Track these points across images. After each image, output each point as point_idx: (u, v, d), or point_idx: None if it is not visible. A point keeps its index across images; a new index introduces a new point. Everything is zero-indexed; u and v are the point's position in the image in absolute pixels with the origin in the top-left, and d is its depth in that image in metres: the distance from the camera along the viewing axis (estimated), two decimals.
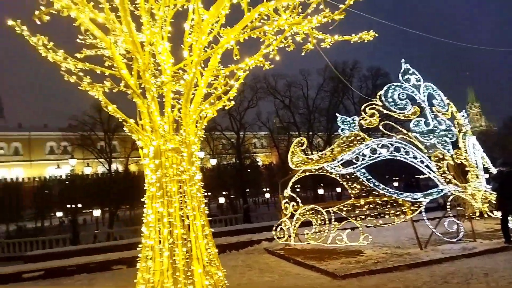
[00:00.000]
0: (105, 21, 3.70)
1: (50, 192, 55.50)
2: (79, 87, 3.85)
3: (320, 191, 35.82)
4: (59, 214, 52.34)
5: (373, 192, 8.89)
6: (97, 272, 8.85)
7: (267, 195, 48.55)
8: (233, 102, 4.28)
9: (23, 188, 61.40)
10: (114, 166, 44.70)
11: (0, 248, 21.99)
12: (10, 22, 3.95)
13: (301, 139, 10.37)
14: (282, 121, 43.79)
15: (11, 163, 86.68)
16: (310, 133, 39.03)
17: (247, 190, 43.98)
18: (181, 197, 3.79)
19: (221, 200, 36.86)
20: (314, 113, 41.10)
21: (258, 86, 38.52)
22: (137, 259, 3.78)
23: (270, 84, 38.69)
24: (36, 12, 3.46)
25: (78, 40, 4.42)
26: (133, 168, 53.11)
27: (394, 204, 8.54)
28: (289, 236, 9.50)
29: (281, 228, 9.67)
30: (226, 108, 4.28)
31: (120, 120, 3.97)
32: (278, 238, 9.69)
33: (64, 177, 52.76)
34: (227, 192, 39.15)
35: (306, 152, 10.37)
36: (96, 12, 3.68)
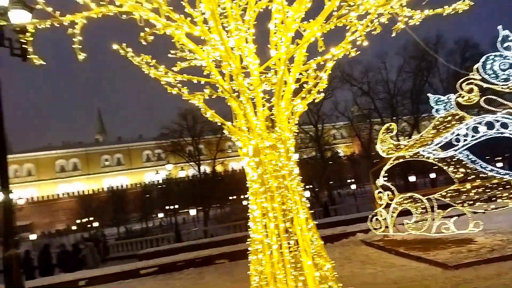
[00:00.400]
0: (201, 33, 3.98)
1: (150, 196, 61.26)
2: (182, 97, 4.21)
3: (412, 178, 33.62)
4: (160, 215, 57.45)
5: (480, 175, 8.07)
6: (203, 266, 9.52)
7: (353, 186, 47.14)
8: (322, 94, 4.28)
9: (127, 194, 68.86)
10: (202, 168, 47.58)
11: (116, 248, 24.94)
12: (115, 47, 4.46)
13: (390, 125, 9.85)
14: (361, 108, 41.98)
15: (115, 172, 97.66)
16: (394, 118, 36.78)
17: (331, 182, 43.23)
18: (282, 192, 3.90)
19: (307, 194, 36.83)
20: (396, 97, 38.67)
21: (333, 76, 37.52)
22: (248, 253, 4.00)
23: (345, 72, 37.36)
24: (141, 34, 3.87)
25: (169, 55, 4.83)
26: (219, 168, 55.96)
27: (507, 186, 7.67)
28: (387, 227, 9.12)
29: (376, 219, 9.32)
30: (316, 101, 4.29)
31: (219, 123, 4.23)
32: (375, 229, 9.36)
33: (161, 181, 57.73)
34: (311, 186, 38.92)
35: (393, 139, 9.83)
36: (193, 26, 3.97)
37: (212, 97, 4.23)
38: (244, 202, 50.99)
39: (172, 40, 4.16)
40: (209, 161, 48.98)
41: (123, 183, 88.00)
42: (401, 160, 9.44)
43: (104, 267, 12.95)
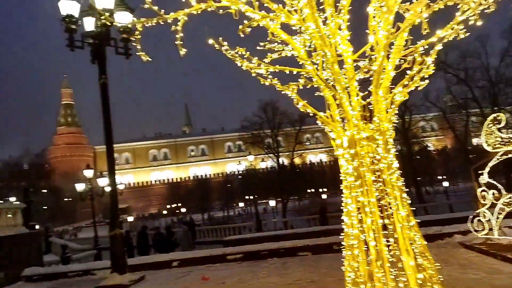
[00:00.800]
0: (298, 22, 3.92)
1: (231, 185, 63.99)
2: (276, 88, 4.20)
3: None
4: (241, 204, 59.68)
5: None
6: (287, 257, 9.58)
7: (445, 184, 43.26)
8: (427, 81, 3.91)
9: (211, 183, 72.77)
10: (280, 160, 48.02)
11: (201, 233, 26.56)
12: (210, 41, 4.61)
13: (497, 115, 8.71)
14: (456, 98, 38.00)
15: (200, 162, 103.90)
16: (495, 108, 32.67)
17: (418, 178, 40.23)
18: (379, 186, 3.68)
19: None
20: (498, 85, 34.28)
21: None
22: (342, 248, 3.88)
23: (438, 58, 34.04)
24: (240, 27, 3.95)
25: (258, 48, 4.85)
26: (297, 161, 55.94)
27: None
28: (491, 229, 8.15)
29: (479, 220, 8.39)
30: (420, 88, 3.94)
31: (311, 114, 4.14)
32: (476, 231, 8.44)
33: (241, 172, 59.79)
34: None
35: (501, 131, 8.66)
36: (290, 16, 3.93)
37: (307, 87, 4.14)
38: (324, 196, 50.26)
39: (261, 32, 4.17)
40: (288, 153, 49.20)
41: (206, 173, 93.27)
42: (510, 156, 8.32)
43: (192, 250, 13.80)
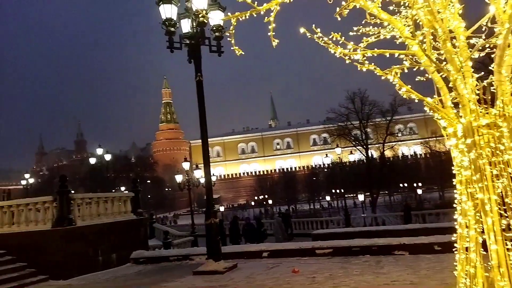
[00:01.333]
0: None
1: (317, 178, 63.28)
2: (376, 73, 3.90)
3: None
4: (327, 198, 58.70)
5: None
6: (380, 255, 9.04)
7: None
8: None
9: (296, 176, 72.96)
10: (369, 153, 45.75)
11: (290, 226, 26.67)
12: (301, 30, 4.45)
13: None
14: None
15: (286, 155, 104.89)
16: None
17: None
18: (502, 181, 3.16)
19: None
20: None
21: None
22: (454, 250, 3.44)
23: None
24: (338, 9, 3.74)
25: (350, 33, 4.53)
26: (388, 153, 52.67)
27: None
28: None
29: None
30: None
31: (416, 100, 3.73)
32: None
33: (326, 165, 58.69)
34: None
35: None
36: None
37: (413, 69, 3.75)
38: (419, 191, 46.62)
39: (351, 18, 3.87)
40: (377, 145, 46.63)
41: (292, 165, 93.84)
42: None
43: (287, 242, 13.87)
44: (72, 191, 11.53)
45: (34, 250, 10.07)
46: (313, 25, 4.30)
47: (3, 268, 9.51)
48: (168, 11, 8.36)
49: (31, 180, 42.84)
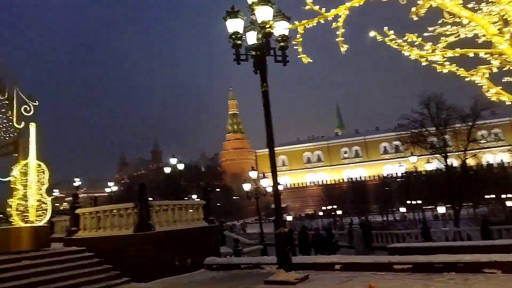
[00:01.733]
0: None
1: (389, 188, 59.94)
2: (460, 75, 3.61)
3: None
4: (402, 209, 55.23)
5: None
6: (467, 273, 8.23)
7: None
8: None
9: (366, 186, 69.94)
10: (448, 161, 42.17)
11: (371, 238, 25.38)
12: (371, 34, 4.29)
13: None
14: None
15: (354, 164, 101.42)
16: None
17: None
18: None
19: None
20: None
21: None
22: None
23: None
24: (413, 9, 3.56)
25: (425, 34, 4.25)
26: (470, 162, 48.05)
27: None
28: None
29: None
30: None
31: (509, 102, 3.35)
32: None
33: (399, 174, 55.41)
34: None
35: None
36: None
37: (503, 69, 3.40)
38: (508, 203, 41.82)
39: (425, 20, 3.62)
40: (458, 153, 42.78)
41: (361, 175, 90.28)
42: None
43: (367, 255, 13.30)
44: (151, 198, 12.34)
45: (118, 253, 10.92)
46: (385, 27, 4.14)
47: (93, 269, 10.46)
48: (234, 25, 8.64)
49: (115, 188, 46.89)
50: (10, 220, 11.17)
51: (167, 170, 33.44)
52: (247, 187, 26.17)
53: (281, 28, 8.50)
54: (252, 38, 9.04)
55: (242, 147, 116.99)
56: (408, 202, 52.27)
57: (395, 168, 74.13)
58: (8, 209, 11.10)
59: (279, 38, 8.69)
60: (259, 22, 8.53)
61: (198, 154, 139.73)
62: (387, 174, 78.71)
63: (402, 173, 49.70)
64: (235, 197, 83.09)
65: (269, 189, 27.16)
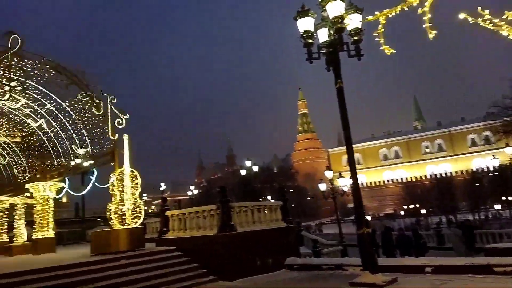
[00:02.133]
0: None
1: (481, 184, 54.23)
2: None
3: None
4: (497, 206, 49.69)
5: None
6: None
7: None
8: None
9: (453, 182, 64.14)
10: None
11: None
12: (461, 16, 3.94)
13: None
14: None
15: (437, 159, 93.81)
16: None
17: None
18: None
19: None
20: None
21: None
22: None
23: None
24: None
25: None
26: None
27: None
28: None
29: None
30: None
31: None
32: None
33: (491, 168, 49.94)
34: None
35: None
36: None
37: None
38: None
39: None
40: None
41: (446, 170, 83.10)
42: None
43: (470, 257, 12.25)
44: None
45: (203, 253, 11.50)
46: (479, 7, 3.78)
47: (183, 267, 11.16)
48: (306, 24, 8.56)
49: (195, 191, 49.72)
50: (110, 223, 12.43)
51: (243, 172, 34.33)
52: (323, 187, 25.78)
53: (355, 21, 8.22)
54: (323, 35, 8.87)
55: (314, 147, 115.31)
56: (504, 198, 46.91)
57: (486, 161, 67.01)
58: (108, 213, 12.38)
59: (352, 32, 8.40)
60: (330, 18, 8.34)
61: (270, 156, 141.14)
62: (477, 168, 71.53)
63: (495, 167, 44.80)
64: (308, 197, 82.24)
65: (345, 189, 26.40)
